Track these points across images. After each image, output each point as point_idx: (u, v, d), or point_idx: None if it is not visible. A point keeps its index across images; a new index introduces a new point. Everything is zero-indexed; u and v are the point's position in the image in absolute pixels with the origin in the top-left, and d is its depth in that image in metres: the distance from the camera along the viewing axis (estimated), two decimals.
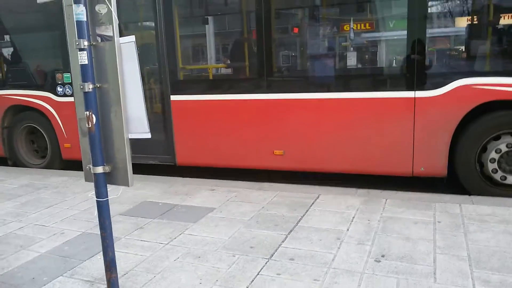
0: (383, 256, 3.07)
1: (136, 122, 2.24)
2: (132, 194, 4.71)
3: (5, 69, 6.74)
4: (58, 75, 6.08)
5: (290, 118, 4.99)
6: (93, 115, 2.16)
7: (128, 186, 2.28)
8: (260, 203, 4.32)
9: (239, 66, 5.61)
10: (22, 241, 3.67)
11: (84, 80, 2.14)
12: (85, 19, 2.09)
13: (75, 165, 6.28)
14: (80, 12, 2.07)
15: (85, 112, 2.17)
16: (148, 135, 2.27)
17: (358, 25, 5.33)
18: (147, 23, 5.82)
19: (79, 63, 2.13)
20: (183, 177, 5.46)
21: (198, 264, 3.09)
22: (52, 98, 6.17)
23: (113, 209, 4.30)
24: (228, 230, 3.68)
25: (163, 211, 4.22)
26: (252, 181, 5.09)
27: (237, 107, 5.18)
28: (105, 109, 2.22)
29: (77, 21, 2.09)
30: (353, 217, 3.83)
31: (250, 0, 5.21)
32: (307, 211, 4.04)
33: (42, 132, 6.49)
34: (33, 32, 6.41)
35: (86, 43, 2.10)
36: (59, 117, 6.20)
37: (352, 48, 5.33)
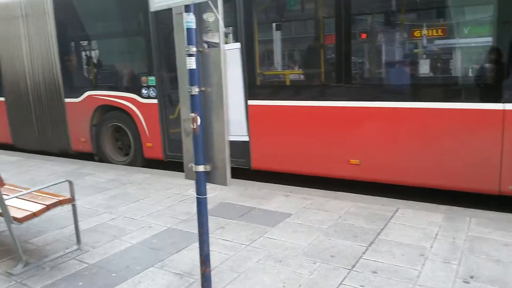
0: (472, 277, 2.94)
1: (235, 125, 2.35)
2: (210, 196, 4.88)
3: (96, 72, 7.28)
4: (143, 78, 6.40)
5: (368, 126, 4.92)
6: (198, 117, 2.29)
7: (226, 185, 2.39)
8: (336, 212, 4.30)
9: (316, 72, 5.60)
10: (114, 232, 3.96)
11: (191, 83, 2.29)
12: (194, 26, 2.23)
13: (154, 163, 6.67)
14: (190, 20, 2.21)
15: (190, 114, 2.31)
16: (246, 138, 2.38)
17: (434, 30, 5.16)
18: (225, 29, 6.03)
19: (187, 68, 2.28)
20: (256, 181, 5.56)
21: (280, 267, 3.15)
22: (137, 99, 6.52)
23: (193, 207, 4.53)
24: (306, 237, 3.70)
25: (241, 213, 4.34)
26: (325, 190, 5.08)
27: (313, 113, 5.18)
28: (208, 112, 2.35)
29: (186, 29, 2.24)
30: (436, 234, 3.69)
31: (329, 6, 5.21)
32: (386, 224, 3.96)
33: (127, 131, 6.89)
34: (121, 38, 6.90)
35: (194, 49, 2.24)
36: (142, 117, 6.54)
37: (425, 56, 5.16)
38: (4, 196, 3.14)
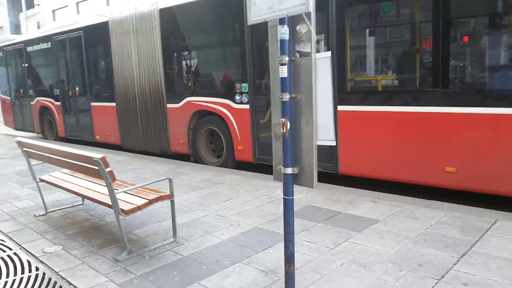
0: None
1: (323, 129, 2.43)
2: (297, 197, 4.99)
3: (195, 80, 7.81)
4: (237, 85, 6.77)
5: (465, 133, 4.68)
6: (288, 122, 2.42)
7: (313, 188, 2.48)
8: (427, 221, 4.16)
9: (409, 77, 5.46)
10: (206, 227, 4.24)
11: (283, 90, 2.42)
12: (287, 38, 2.36)
13: (244, 165, 6.96)
14: (284, 32, 2.35)
15: (281, 119, 2.44)
16: (334, 143, 2.44)
17: None
18: (317, 35, 6.10)
19: (279, 76, 2.41)
20: (343, 186, 5.55)
21: (364, 273, 3.15)
22: (231, 105, 6.90)
23: (279, 208, 4.67)
24: (394, 244, 3.65)
25: (327, 217, 4.39)
26: (415, 197, 4.92)
27: (406, 119, 5.06)
28: (298, 117, 2.46)
29: (280, 40, 2.38)
30: None
31: (425, 9, 5.05)
32: (482, 235, 3.75)
33: (220, 134, 7.29)
34: (217, 48, 7.35)
35: (287, 58, 2.37)
36: (235, 122, 6.90)
37: None
38: (115, 191, 3.53)
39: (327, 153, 5.75)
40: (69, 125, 11.08)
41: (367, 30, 5.80)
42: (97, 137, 10.06)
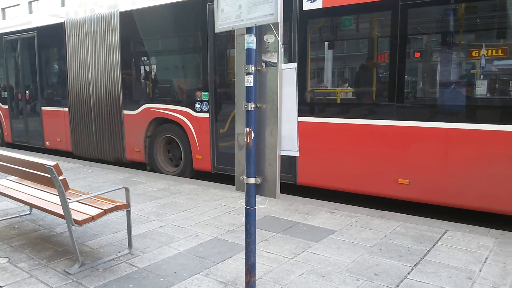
0: None
1: (287, 140, 2.44)
2: (258, 207, 4.99)
3: (153, 86, 7.65)
4: (197, 93, 6.69)
5: (418, 146, 4.88)
6: (252, 132, 2.41)
7: (275, 198, 2.48)
8: (382, 231, 4.28)
9: (366, 91, 5.63)
10: (163, 238, 4.13)
11: (248, 100, 2.41)
12: (254, 47, 2.37)
13: (202, 175, 6.89)
14: (251, 41, 2.35)
15: (245, 129, 2.43)
16: (297, 153, 2.46)
17: (490, 51, 5.05)
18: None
19: (245, 85, 2.41)
20: (301, 197, 5.61)
21: (323, 282, 3.18)
22: (190, 113, 6.81)
23: (238, 219, 4.64)
24: (350, 254, 3.71)
25: (286, 227, 4.40)
26: (370, 208, 5.06)
27: (362, 132, 5.21)
28: (262, 127, 2.46)
29: (247, 49, 2.38)
30: (486, 258, 3.60)
31: (383, 25, 5.27)
32: (433, 245, 3.90)
33: (178, 143, 7.17)
34: (178, 54, 7.25)
35: (253, 68, 2.38)
36: (194, 130, 6.81)
37: (482, 76, 5.05)
38: (67, 200, 3.37)
39: (285, 164, 5.78)
40: (17, 130, 10.53)
41: (327, 43, 5.96)
42: (47, 143, 9.65)
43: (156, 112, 7.31)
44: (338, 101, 5.75)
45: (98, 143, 8.32)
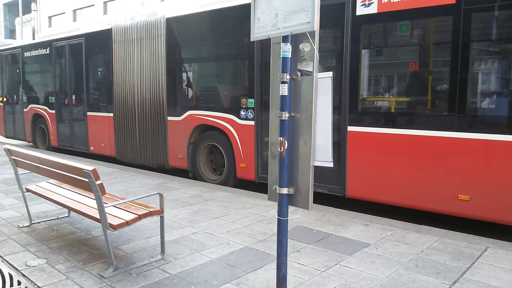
0: None
1: (321, 150, 2.40)
2: (291, 218, 4.94)
3: (198, 93, 7.62)
4: (243, 100, 6.58)
5: (481, 160, 4.54)
6: (286, 141, 2.39)
7: (308, 209, 2.44)
8: (419, 246, 4.14)
9: (423, 100, 5.24)
10: (195, 245, 4.15)
11: (282, 109, 2.39)
12: (290, 56, 2.35)
13: (245, 184, 6.81)
14: (287, 49, 2.34)
15: (279, 138, 2.41)
16: (331, 164, 2.42)
17: None
18: (329, 52, 5.96)
19: (280, 94, 2.39)
20: (334, 207, 5.52)
21: None
22: (235, 120, 6.71)
23: (270, 228, 4.61)
24: (385, 269, 3.60)
25: (318, 239, 4.33)
26: (406, 221, 4.90)
27: (419, 143, 4.92)
28: (296, 136, 2.43)
29: (282, 57, 2.37)
30: None
31: (443, 31, 4.96)
32: (473, 263, 3.73)
33: (222, 150, 7.09)
34: (224, 61, 7.21)
35: (288, 77, 2.36)
36: (239, 138, 6.69)
37: None
38: (104, 204, 3.45)
39: (333, 175, 5.53)
40: (63, 134, 10.75)
41: (382, 50, 5.66)
42: (92, 148, 9.78)
43: (200, 119, 7.26)
44: (393, 110, 5.37)
45: (142, 149, 8.33)
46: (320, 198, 5.52)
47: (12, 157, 4.67)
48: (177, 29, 7.53)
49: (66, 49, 10.18)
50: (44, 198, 4.48)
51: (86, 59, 9.66)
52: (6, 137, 13.45)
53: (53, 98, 10.91)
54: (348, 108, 5.41)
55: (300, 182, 2.46)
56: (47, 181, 4.97)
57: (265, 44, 6.13)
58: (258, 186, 6.69)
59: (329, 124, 2.38)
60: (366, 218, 5.03)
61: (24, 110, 12.12)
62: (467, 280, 3.39)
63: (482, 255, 3.91)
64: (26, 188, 4.78)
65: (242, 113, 6.58)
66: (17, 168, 4.73)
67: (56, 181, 4.79)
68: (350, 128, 5.40)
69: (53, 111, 10.92)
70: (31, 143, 12.32)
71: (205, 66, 7.69)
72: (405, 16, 4.98)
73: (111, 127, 9.00)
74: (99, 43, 9.23)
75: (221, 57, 7.21)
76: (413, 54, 5.47)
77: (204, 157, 7.48)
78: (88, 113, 9.73)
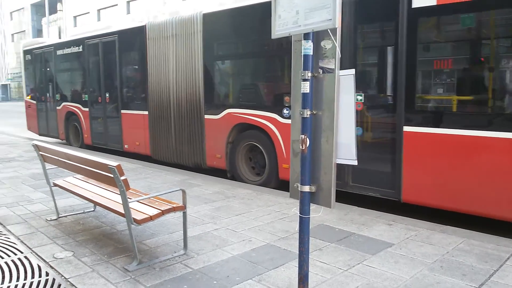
0: None
1: (345, 148, 2.38)
2: (313, 216, 4.91)
3: (238, 90, 7.36)
4: (286, 98, 6.28)
5: None
6: (308, 139, 2.37)
7: (330, 208, 2.42)
8: (444, 247, 4.05)
9: (487, 99, 4.83)
10: (217, 241, 4.18)
11: (304, 106, 2.38)
12: (311, 53, 2.34)
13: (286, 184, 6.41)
14: (308, 47, 2.32)
15: (301, 135, 2.40)
16: (355, 163, 2.39)
17: None
18: (381, 47, 5.67)
19: (301, 92, 2.38)
20: (358, 206, 5.45)
21: None
22: (277, 119, 6.42)
23: (292, 226, 4.60)
24: (409, 269, 3.55)
25: (340, 237, 4.30)
26: (430, 222, 4.81)
27: (486, 145, 4.56)
28: (318, 134, 2.42)
29: (304, 55, 2.35)
30: None
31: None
32: (501, 266, 3.62)
33: (263, 150, 6.80)
34: (262, 57, 6.92)
35: (309, 74, 2.34)
36: (281, 138, 6.41)
37: None
38: (128, 199, 3.51)
39: (388, 179, 5.29)
40: (96, 132, 10.73)
41: (441, 44, 5.25)
42: (126, 146, 9.67)
43: (239, 117, 7.03)
44: (454, 109, 5.00)
45: (177, 148, 8.14)
46: (343, 198, 5.47)
47: (40, 152, 4.80)
48: (215, 25, 7.29)
49: (99, 46, 10.13)
50: (71, 193, 4.60)
51: (119, 57, 9.58)
52: (40, 134, 13.51)
53: (86, 96, 10.91)
54: (404, 107, 5.11)
55: (322, 180, 2.45)
56: (74, 176, 5.09)
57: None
58: (282, 184, 6.64)
59: (352, 122, 2.36)
60: (389, 218, 4.96)
61: (57, 108, 12.18)
62: (494, 283, 3.31)
63: (510, 257, 3.80)
64: (53, 182, 4.92)
65: (285, 111, 6.30)
66: (45, 163, 4.86)
67: (82, 176, 4.91)
68: (406, 128, 5.09)
69: (87, 109, 10.92)
70: (64, 141, 12.37)
71: (245, 62, 7.39)
72: (468, 8, 4.65)
73: (146, 125, 8.87)
74: (132, 41, 9.14)
75: (262, 53, 6.91)
76: (476, 49, 5.06)
77: (243, 157, 7.24)
78: (122, 111, 9.65)
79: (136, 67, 9.39)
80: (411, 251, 3.95)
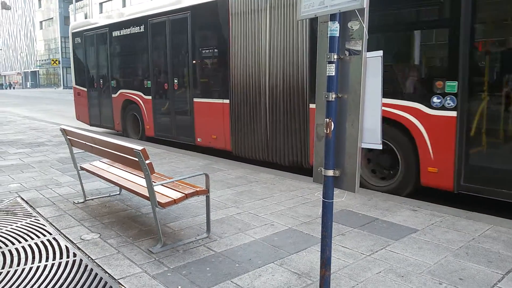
0: None
1: (370, 133, 2.34)
2: (336, 201, 4.89)
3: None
4: (438, 83, 4.94)
5: None
6: (332, 122, 2.35)
7: (354, 192, 2.40)
8: (470, 233, 3.98)
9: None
10: (240, 225, 4.21)
11: (329, 89, 2.35)
12: (337, 34, 2.29)
13: (426, 192, 5.44)
14: (334, 28, 2.28)
15: (325, 119, 2.37)
16: (380, 147, 2.35)
17: None
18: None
19: (327, 75, 2.34)
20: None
21: (402, 283, 3.04)
22: (422, 110, 5.09)
23: (314, 211, 4.59)
24: (433, 255, 3.50)
25: (363, 223, 4.27)
26: (456, 208, 4.72)
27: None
28: (343, 118, 2.38)
29: (330, 37, 2.31)
30: None
31: None
32: None
33: (394, 148, 5.53)
34: (398, 31, 5.46)
35: (335, 56, 2.30)
36: (427, 133, 5.11)
37: None
38: (153, 183, 3.56)
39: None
40: (161, 123, 9.45)
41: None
42: (199, 139, 8.41)
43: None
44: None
45: (270, 143, 6.94)
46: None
47: (68, 137, 4.90)
48: None
49: (167, 25, 8.81)
50: (97, 176, 4.70)
51: (192, 36, 8.26)
52: (91, 125, 12.34)
53: (149, 82, 9.63)
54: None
55: (347, 164, 2.42)
56: (100, 160, 5.20)
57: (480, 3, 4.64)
58: (305, 169, 6.53)
59: (378, 106, 2.31)
60: (414, 204, 4.90)
61: (113, 95, 10.93)
62: None
63: None
64: (80, 166, 5.03)
65: (436, 100, 4.96)
66: (72, 147, 4.97)
67: (108, 160, 5.00)
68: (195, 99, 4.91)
69: (149, 97, 9.66)
70: (120, 132, 11.13)
71: (370, 38, 6.18)
72: None
73: (226, 116, 7.64)
74: (210, 17, 7.80)
75: (395, 25, 5.43)
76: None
77: (361, 158, 6.02)
78: (195, 99, 8.35)
79: (214, 48, 8.04)
80: (436, 237, 3.89)
